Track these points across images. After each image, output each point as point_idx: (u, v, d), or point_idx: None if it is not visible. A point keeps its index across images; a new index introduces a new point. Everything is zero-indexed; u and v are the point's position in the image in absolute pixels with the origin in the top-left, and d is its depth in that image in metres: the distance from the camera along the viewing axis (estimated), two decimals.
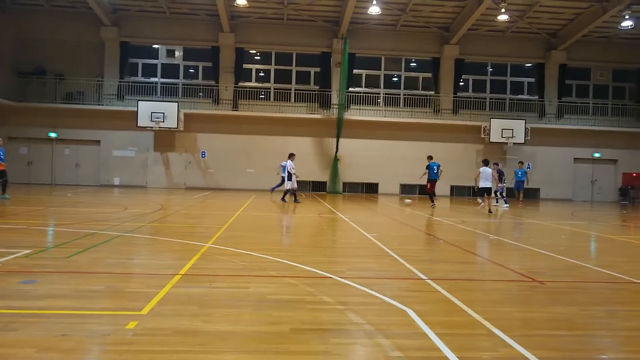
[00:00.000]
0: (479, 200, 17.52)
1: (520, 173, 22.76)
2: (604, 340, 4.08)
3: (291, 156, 17.92)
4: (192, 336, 3.73)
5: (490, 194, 16.65)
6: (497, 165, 18.26)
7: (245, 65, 26.90)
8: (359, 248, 8.44)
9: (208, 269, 6.15)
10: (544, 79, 27.52)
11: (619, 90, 28.49)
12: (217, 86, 26.36)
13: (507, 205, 19.23)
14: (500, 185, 19.22)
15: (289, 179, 17.85)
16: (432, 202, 18.34)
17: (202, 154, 26.32)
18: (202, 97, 26.78)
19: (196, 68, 27.17)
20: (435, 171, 18.51)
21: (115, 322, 3.99)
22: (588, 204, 24.79)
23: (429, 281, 5.80)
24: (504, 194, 19.66)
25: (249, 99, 26.44)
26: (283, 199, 18.52)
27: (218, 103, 26.30)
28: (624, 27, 23.55)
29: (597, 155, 27.59)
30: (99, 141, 25.81)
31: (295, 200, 18.28)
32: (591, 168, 27.85)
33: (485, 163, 16.64)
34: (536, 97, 27.73)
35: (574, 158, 27.55)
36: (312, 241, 9.44)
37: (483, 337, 3.93)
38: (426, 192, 19.12)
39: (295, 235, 10.56)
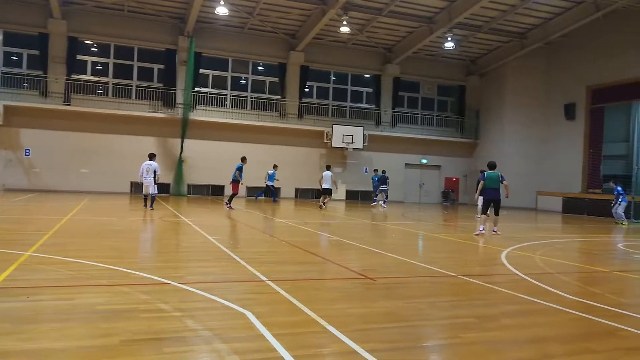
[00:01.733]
0: (322, 201, 19.30)
1: (376, 179, 24.40)
2: (425, 329, 4.50)
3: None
4: (3, 358, 3.29)
5: (330, 194, 19.49)
6: (376, 171, 21.91)
7: (79, 57, 24.73)
8: (201, 252, 8.25)
9: (26, 281, 5.50)
10: (381, 89, 29.68)
11: (443, 104, 31.87)
12: (46, 77, 23.84)
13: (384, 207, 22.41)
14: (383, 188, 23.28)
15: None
16: (228, 203, 17.96)
17: (26, 152, 23.57)
18: (28, 88, 24.00)
19: (20, 55, 24.28)
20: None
21: None
22: (417, 206, 27.29)
23: (269, 283, 5.88)
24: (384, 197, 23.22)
25: (84, 93, 24.33)
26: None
27: (46, 96, 23.78)
28: (446, 47, 26.43)
29: (424, 161, 30.52)
30: None
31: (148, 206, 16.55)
32: (419, 173, 30.72)
33: (328, 168, 19.07)
34: (373, 106, 29.79)
35: (405, 163, 30.15)
36: (151, 246, 9.00)
37: (318, 334, 4.08)
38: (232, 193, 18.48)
39: (133, 240, 9.96)
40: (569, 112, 26.24)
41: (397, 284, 6.30)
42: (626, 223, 18.97)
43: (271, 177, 23.06)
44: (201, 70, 26.46)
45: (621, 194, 19.05)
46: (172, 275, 6.05)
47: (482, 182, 12.50)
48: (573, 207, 24.74)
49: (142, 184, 15.68)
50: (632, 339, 4.34)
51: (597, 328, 4.66)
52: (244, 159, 18.90)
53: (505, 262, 8.32)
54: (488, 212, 12.63)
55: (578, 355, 3.86)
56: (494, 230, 12.64)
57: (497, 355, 3.78)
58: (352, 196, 28.82)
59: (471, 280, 6.66)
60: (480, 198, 13.76)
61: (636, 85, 22.75)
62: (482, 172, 12.84)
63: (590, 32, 24.75)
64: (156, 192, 15.83)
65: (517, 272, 7.40)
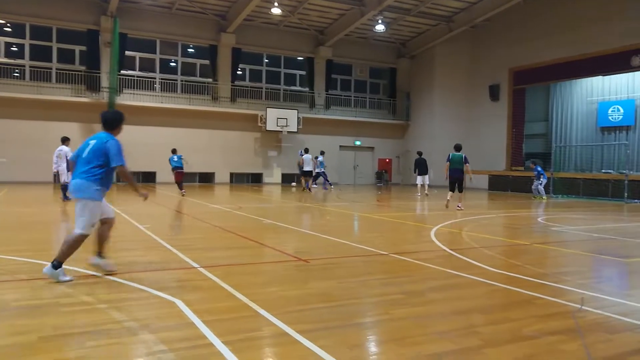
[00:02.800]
0: (293, 184, 20.88)
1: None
2: (356, 308, 4.58)
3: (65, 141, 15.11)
4: None
5: (310, 176, 21.34)
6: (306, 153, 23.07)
7: None
8: (130, 241, 7.98)
9: None
10: (314, 72, 29.66)
11: (375, 86, 32.32)
12: None
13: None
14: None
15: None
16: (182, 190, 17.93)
17: None
18: None
19: None
20: (175, 160, 18.24)
21: None
22: (351, 187, 27.69)
23: (201, 269, 5.78)
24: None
25: None
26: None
27: None
28: (377, 30, 26.74)
29: (358, 143, 30.95)
30: None
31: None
32: (353, 155, 31.14)
33: (306, 151, 21.60)
34: (307, 89, 29.76)
35: (340, 146, 30.44)
36: None
37: (249, 318, 4.06)
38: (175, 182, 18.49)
39: (54, 232, 9.48)
40: (494, 93, 27.38)
41: (330, 265, 6.38)
42: (545, 198, 20.25)
43: (322, 164, 23.52)
44: (127, 52, 25.34)
45: (541, 174, 20.46)
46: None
47: (447, 163, 14.10)
48: (498, 184, 26.00)
49: (57, 172, 14.27)
50: (547, 306, 4.63)
51: (517, 298, 4.93)
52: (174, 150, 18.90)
53: (434, 239, 8.62)
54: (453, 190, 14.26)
55: (499, 324, 4.07)
56: (458, 206, 13.88)
57: (423, 329, 3.92)
58: (288, 179, 28.79)
59: (401, 257, 6.85)
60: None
61: (554, 67, 24.04)
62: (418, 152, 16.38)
63: (512, 17, 25.82)
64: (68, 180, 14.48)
65: (444, 248, 7.69)
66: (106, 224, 5.51)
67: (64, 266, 5.12)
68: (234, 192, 21.34)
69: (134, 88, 25.33)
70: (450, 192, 14.43)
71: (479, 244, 8.17)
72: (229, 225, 10.17)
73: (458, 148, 14.24)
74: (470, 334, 3.80)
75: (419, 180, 20.56)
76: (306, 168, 21.66)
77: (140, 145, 25.01)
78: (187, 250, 6.88)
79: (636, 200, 19.01)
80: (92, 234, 5.36)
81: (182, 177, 18.29)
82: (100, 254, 5.50)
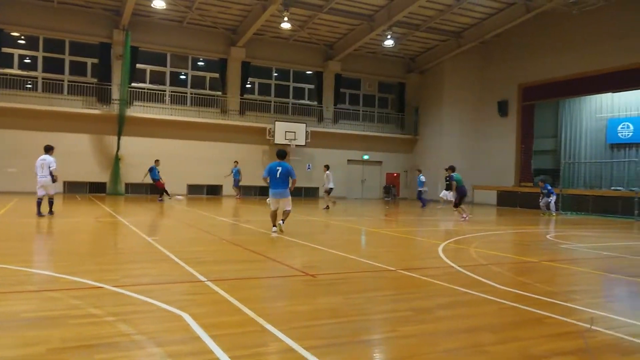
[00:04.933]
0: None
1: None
2: (363, 324, 4.55)
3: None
4: None
5: (330, 193, 20.25)
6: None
7: (5, 49, 23.34)
8: (138, 253, 8.01)
9: None
10: (322, 86, 29.82)
11: (383, 100, 32.41)
12: None
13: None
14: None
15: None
16: (161, 197, 21.15)
17: None
18: None
19: None
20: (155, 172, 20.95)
21: None
22: (359, 201, 27.65)
23: (208, 283, 5.78)
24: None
25: (11, 88, 22.98)
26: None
27: None
28: (386, 45, 26.88)
29: (366, 157, 30.96)
30: None
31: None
32: (361, 169, 31.14)
33: (327, 167, 20.16)
34: (315, 103, 29.89)
35: (347, 159, 30.46)
36: (84, 249, 8.63)
37: (256, 333, 4.05)
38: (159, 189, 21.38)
39: (64, 242, 9.52)
40: (502, 108, 27.36)
41: (337, 280, 6.36)
42: (555, 214, 20.10)
43: (421, 183, 23.62)
44: (138, 65, 25.63)
45: (551, 192, 20.37)
46: (105, 278, 5.82)
47: (454, 182, 15.98)
48: (506, 200, 25.86)
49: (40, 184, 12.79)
50: (557, 326, 4.58)
51: (526, 316, 4.88)
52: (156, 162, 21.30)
53: (442, 255, 8.58)
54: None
55: (507, 343, 4.03)
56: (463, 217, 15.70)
57: (431, 347, 3.89)
58: (296, 193, 28.73)
59: (409, 274, 6.82)
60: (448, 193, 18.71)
61: (563, 83, 24.03)
62: (448, 170, 17.01)
63: (521, 33, 25.88)
64: (54, 192, 13.29)
65: (452, 264, 7.64)
66: None
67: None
68: (241, 204, 21.38)
69: (144, 100, 25.56)
70: (462, 206, 15.96)
71: (487, 261, 8.12)
72: (237, 238, 10.18)
73: (454, 169, 16.63)
74: (478, 353, 3.76)
75: (443, 194, 21.81)
76: (330, 185, 19.85)
77: (150, 157, 25.21)
78: (194, 264, 6.89)
79: None
80: None
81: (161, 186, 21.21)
82: None
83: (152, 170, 21.05)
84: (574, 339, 4.16)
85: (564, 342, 4.09)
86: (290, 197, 10.76)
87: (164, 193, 21.38)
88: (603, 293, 6.47)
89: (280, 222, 10.64)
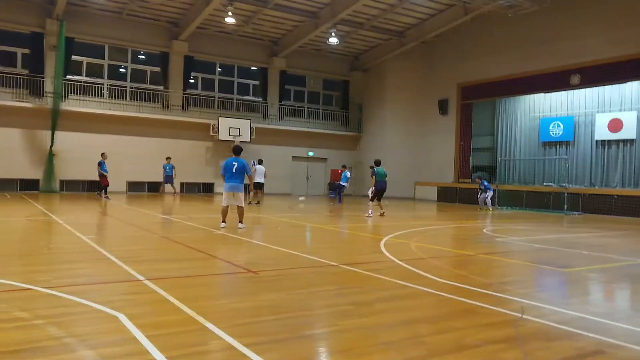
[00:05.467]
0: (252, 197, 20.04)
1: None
2: (304, 319, 4.55)
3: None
4: None
5: (262, 188, 20.12)
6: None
7: None
8: (72, 253, 7.68)
9: None
10: (268, 82, 29.63)
11: (328, 98, 32.61)
12: None
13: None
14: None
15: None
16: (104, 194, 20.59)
17: None
18: None
19: None
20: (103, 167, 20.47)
21: None
22: (304, 198, 27.66)
23: (147, 282, 5.62)
24: None
25: None
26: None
27: None
28: (331, 43, 27.03)
29: (311, 154, 31.06)
30: None
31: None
32: (306, 165, 31.22)
33: (260, 162, 20.52)
34: (260, 99, 29.68)
35: (293, 156, 30.45)
36: (12, 249, 8.18)
37: (195, 332, 3.97)
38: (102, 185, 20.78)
39: None
40: (443, 107, 28.15)
41: (280, 276, 6.34)
42: (491, 209, 20.95)
43: (344, 178, 22.81)
44: (74, 57, 24.55)
45: (488, 188, 21.31)
46: (35, 279, 5.54)
47: (373, 176, 15.83)
48: (446, 196, 26.69)
49: None
50: (491, 316, 4.76)
51: (462, 307, 5.05)
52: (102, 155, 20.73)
53: (383, 249, 8.73)
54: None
55: (443, 334, 4.15)
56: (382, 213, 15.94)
57: (370, 340, 3.95)
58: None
59: (351, 268, 6.90)
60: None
61: (499, 83, 25.00)
62: (371, 167, 16.45)
63: (460, 34, 26.70)
64: None
65: (394, 258, 7.79)
66: None
67: None
68: (184, 202, 20.93)
69: (80, 94, 24.52)
70: (374, 202, 16.07)
71: (427, 255, 8.34)
72: (178, 236, 9.96)
73: (378, 163, 16.40)
74: (416, 344, 3.86)
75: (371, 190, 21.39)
76: (258, 179, 20.16)
77: (87, 153, 24.26)
78: (132, 263, 6.68)
79: (575, 212, 19.92)
80: None
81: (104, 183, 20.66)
82: None
83: (101, 164, 20.49)
84: (506, 328, 4.34)
85: (496, 331, 4.26)
86: (243, 193, 11.22)
87: (104, 191, 20.67)
88: (533, 283, 6.78)
89: (240, 224, 11.10)
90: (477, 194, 21.73)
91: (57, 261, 7.16)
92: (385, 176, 16.12)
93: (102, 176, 20.48)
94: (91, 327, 4.03)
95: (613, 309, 5.55)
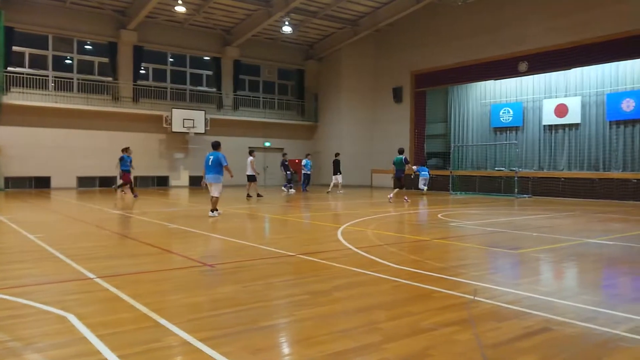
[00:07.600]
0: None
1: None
2: (260, 311, 4.52)
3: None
4: None
5: (255, 180, 20.23)
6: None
7: None
8: (18, 252, 7.37)
9: None
10: (221, 72, 29.15)
11: (283, 87, 32.39)
12: None
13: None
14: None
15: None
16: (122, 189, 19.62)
17: None
18: None
19: None
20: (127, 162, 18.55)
21: None
22: (261, 188, 27.49)
23: (97, 280, 5.45)
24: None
25: None
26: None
27: None
28: (284, 31, 26.81)
29: (267, 144, 30.84)
30: None
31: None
32: (263, 156, 30.98)
33: (250, 152, 20.68)
34: (214, 90, 29.19)
35: (249, 147, 30.07)
36: None
37: (148, 329, 3.88)
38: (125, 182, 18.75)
39: None
40: (397, 95, 28.45)
41: (236, 269, 6.28)
42: (424, 192, 22.90)
43: (308, 166, 23.49)
44: (14, 48, 23.42)
45: (419, 173, 23.79)
46: None
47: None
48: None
49: None
50: (445, 299, 4.87)
51: (417, 292, 5.14)
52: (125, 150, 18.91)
53: (340, 238, 8.78)
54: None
55: (399, 319, 4.21)
56: (405, 199, 17.67)
57: (327, 328, 3.96)
58: (196, 182, 28.05)
59: (308, 258, 6.90)
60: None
61: (450, 71, 25.45)
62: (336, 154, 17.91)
63: (412, 23, 26.99)
64: None
65: (350, 246, 7.85)
66: None
67: None
68: (139, 196, 20.40)
69: (23, 86, 23.45)
70: (397, 189, 17.63)
71: (383, 242, 8.44)
72: (132, 231, 9.72)
73: (401, 151, 17.90)
74: (372, 331, 3.90)
75: (334, 179, 22.74)
76: (248, 172, 20.10)
77: (33, 148, 23.32)
78: (83, 261, 6.47)
79: (525, 195, 20.61)
80: None
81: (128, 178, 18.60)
82: None
83: (122, 159, 18.51)
84: (459, 311, 4.45)
85: (449, 313, 4.36)
86: (219, 184, 12.22)
87: (125, 185, 18.78)
88: (486, 266, 6.98)
89: (211, 212, 12.17)
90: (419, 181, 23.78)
91: (2, 262, 6.85)
92: (400, 165, 17.51)
93: (126, 171, 18.51)
94: (38, 329, 3.88)
95: (560, 287, 5.77)
